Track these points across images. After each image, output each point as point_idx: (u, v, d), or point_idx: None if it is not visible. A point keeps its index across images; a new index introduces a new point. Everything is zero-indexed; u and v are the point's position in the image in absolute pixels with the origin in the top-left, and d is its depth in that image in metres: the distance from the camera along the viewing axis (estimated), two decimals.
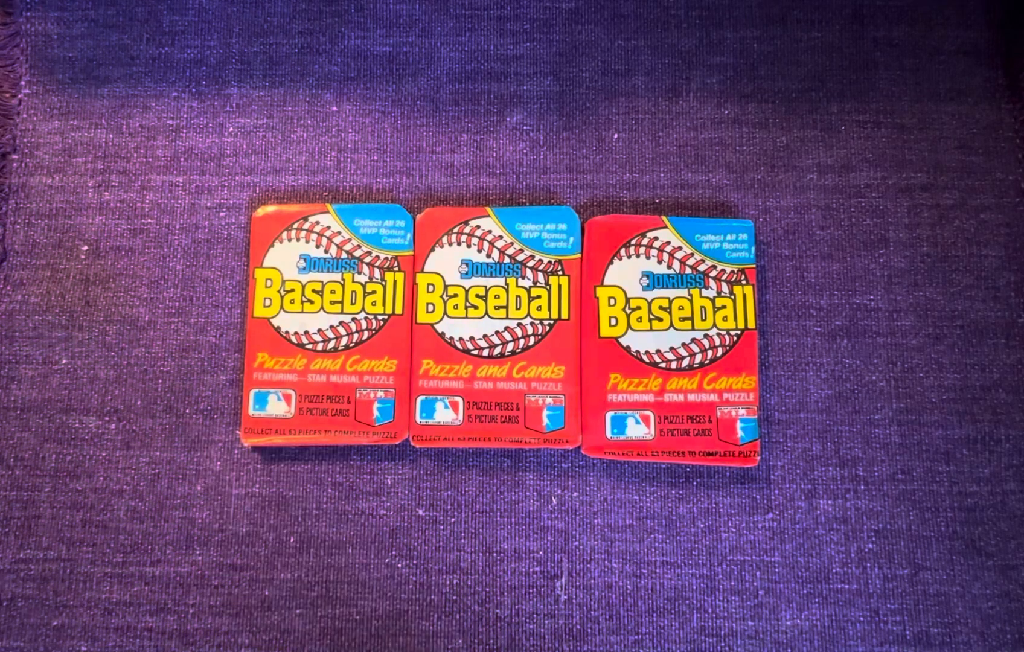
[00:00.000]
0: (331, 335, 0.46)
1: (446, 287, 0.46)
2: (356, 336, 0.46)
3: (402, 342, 0.46)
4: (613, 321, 0.46)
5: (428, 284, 0.46)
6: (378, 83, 0.50)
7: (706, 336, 0.45)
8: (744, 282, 0.46)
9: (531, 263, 0.46)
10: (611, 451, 0.44)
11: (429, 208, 0.48)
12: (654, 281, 0.46)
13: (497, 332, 0.46)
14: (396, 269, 0.46)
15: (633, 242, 0.46)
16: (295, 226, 0.47)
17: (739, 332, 0.45)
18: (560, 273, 0.46)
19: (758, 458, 0.44)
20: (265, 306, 0.46)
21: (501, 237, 0.47)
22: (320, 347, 0.46)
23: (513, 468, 0.46)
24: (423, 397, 0.45)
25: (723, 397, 0.45)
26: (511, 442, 0.44)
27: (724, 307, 0.45)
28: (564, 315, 0.46)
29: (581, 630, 0.44)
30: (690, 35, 0.50)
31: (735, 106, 0.50)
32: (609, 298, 0.46)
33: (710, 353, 0.45)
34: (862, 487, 0.45)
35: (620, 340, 0.45)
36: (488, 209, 0.47)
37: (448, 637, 0.44)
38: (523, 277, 0.46)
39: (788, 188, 0.49)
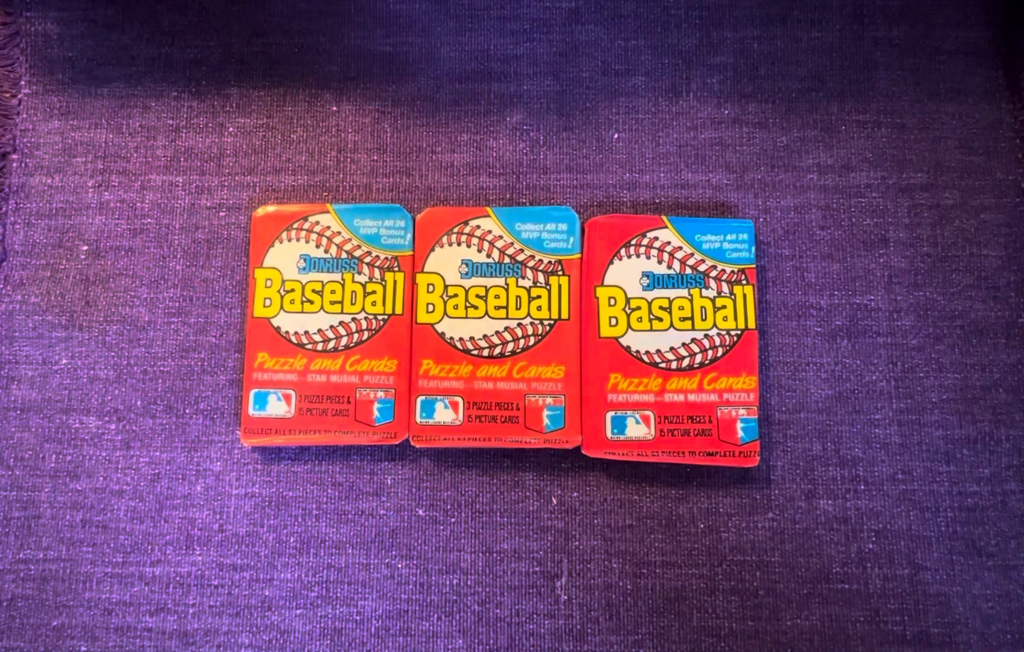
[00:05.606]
0: (331, 335, 0.46)
1: (446, 287, 0.46)
2: (356, 336, 0.46)
3: (402, 342, 0.46)
4: (613, 321, 0.46)
5: (428, 284, 0.46)
6: (378, 83, 0.50)
7: (706, 336, 0.45)
8: (744, 282, 0.46)
9: (531, 263, 0.46)
10: (611, 451, 0.44)
11: (429, 208, 0.48)
12: (654, 281, 0.46)
13: (497, 332, 0.46)
14: (396, 269, 0.46)
15: (633, 242, 0.46)
16: (295, 226, 0.47)
17: (739, 332, 0.45)
18: (560, 273, 0.46)
19: (758, 458, 0.44)
20: (265, 306, 0.46)
21: (501, 237, 0.47)
22: (320, 347, 0.46)
23: (513, 468, 0.46)
24: (423, 397, 0.45)
25: (723, 397, 0.45)
26: (511, 442, 0.44)
27: (724, 307, 0.45)
28: (564, 315, 0.46)
29: (581, 630, 0.44)
30: (690, 35, 0.50)
31: (735, 106, 0.50)
32: (609, 298, 0.46)
33: (710, 353, 0.45)
34: (862, 487, 0.45)
35: (620, 340, 0.45)
36: (488, 209, 0.47)
37: (448, 637, 0.44)
38: (523, 277, 0.46)
39: (788, 188, 0.49)
